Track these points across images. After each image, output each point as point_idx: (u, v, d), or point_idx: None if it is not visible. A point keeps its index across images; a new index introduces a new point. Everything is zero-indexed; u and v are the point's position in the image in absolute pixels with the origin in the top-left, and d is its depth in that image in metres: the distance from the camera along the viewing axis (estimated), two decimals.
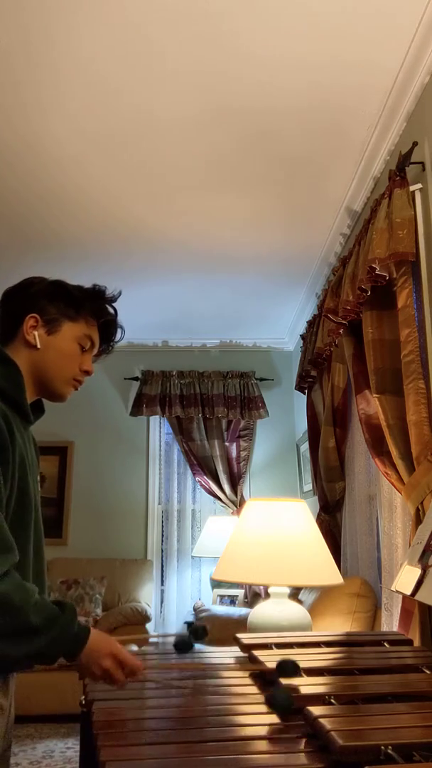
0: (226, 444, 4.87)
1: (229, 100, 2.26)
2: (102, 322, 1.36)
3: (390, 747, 0.84)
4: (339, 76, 2.14)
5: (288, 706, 1.06)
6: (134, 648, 1.42)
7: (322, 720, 0.94)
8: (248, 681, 1.30)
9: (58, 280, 1.35)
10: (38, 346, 1.27)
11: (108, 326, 1.38)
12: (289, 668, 1.20)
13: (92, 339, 1.34)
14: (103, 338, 1.38)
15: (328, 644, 1.58)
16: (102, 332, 1.37)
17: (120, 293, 1.41)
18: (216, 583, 4.55)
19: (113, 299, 1.38)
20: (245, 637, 1.60)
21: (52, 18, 1.90)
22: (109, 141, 2.50)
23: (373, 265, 2.13)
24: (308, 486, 4.30)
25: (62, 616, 1.06)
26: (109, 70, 2.11)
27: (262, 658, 1.36)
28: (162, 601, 4.75)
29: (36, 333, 1.28)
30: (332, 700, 1.08)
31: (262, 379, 5.01)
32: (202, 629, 1.43)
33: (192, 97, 2.25)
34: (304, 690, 1.13)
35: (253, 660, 1.40)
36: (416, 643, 1.80)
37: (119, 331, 1.41)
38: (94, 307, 1.34)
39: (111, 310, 1.38)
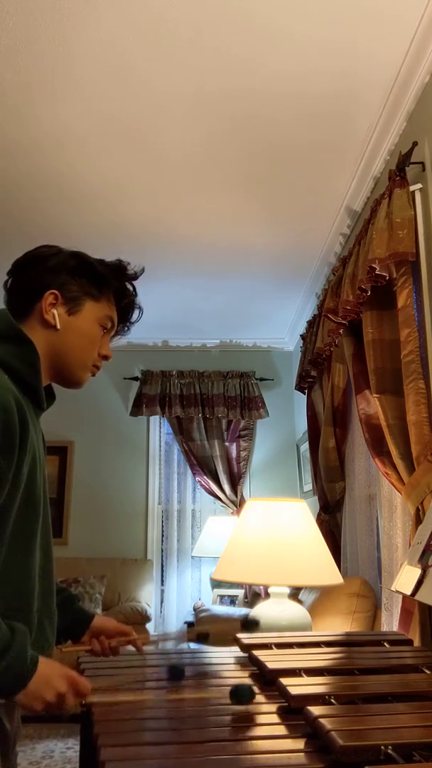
0: (226, 444, 4.87)
1: (232, 98, 2.26)
2: (123, 303, 1.26)
3: (390, 747, 0.84)
4: (339, 78, 2.14)
5: (249, 697, 1.11)
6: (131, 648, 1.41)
7: (322, 720, 0.94)
8: (248, 681, 1.30)
9: (78, 252, 1.23)
10: (58, 326, 1.15)
11: (128, 306, 1.28)
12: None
13: (113, 320, 1.24)
14: (120, 318, 1.28)
15: (328, 644, 1.58)
16: (120, 312, 1.27)
17: (143, 270, 1.29)
18: (216, 583, 4.55)
19: (135, 276, 1.27)
20: (245, 637, 1.60)
21: (60, 14, 1.90)
22: (117, 139, 2.50)
23: (373, 265, 2.13)
24: (308, 486, 4.30)
25: (15, 640, 0.95)
26: (119, 65, 2.11)
27: (262, 659, 1.36)
28: (162, 601, 4.75)
29: (55, 312, 1.15)
30: (332, 700, 1.08)
31: (262, 379, 5.01)
32: (254, 623, 1.47)
33: (192, 96, 2.25)
34: (304, 690, 1.13)
35: (253, 660, 1.40)
36: (416, 643, 1.79)
37: (137, 311, 1.30)
38: (117, 286, 1.24)
39: (131, 289, 1.27)
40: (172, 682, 1.31)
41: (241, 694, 1.12)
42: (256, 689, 1.17)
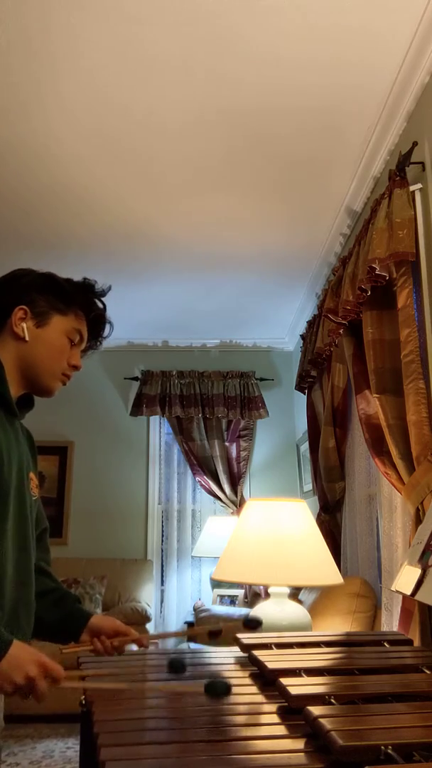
0: (226, 444, 4.87)
1: (229, 101, 2.26)
2: (91, 316, 1.36)
3: (390, 747, 0.84)
4: (339, 75, 2.14)
5: (225, 691, 1.09)
6: (134, 647, 1.41)
7: (322, 720, 0.94)
8: (248, 681, 1.30)
9: (48, 273, 1.34)
10: (26, 338, 1.26)
11: (97, 321, 1.37)
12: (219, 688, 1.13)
13: (81, 333, 1.34)
14: (92, 333, 1.38)
15: (328, 644, 1.58)
16: (91, 327, 1.37)
17: (110, 288, 1.40)
18: (216, 583, 4.55)
19: (103, 293, 1.38)
20: (245, 637, 1.60)
21: (52, 17, 1.91)
22: (110, 140, 2.50)
23: (373, 265, 2.13)
24: (308, 486, 4.30)
25: None
26: (109, 69, 2.11)
27: (262, 659, 1.36)
28: (162, 601, 4.75)
29: (24, 325, 1.26)
30: (332, 700, 1.08)
31: (262, 379, 5.01)
32: (257, 622, 1.46)
33: (191, 97, 2.25)
34: (304, 690, 1.13)
35: (253, 660, 1.40)
36: (416, 643, 1.79)
37: (108, 326, 1.40)
38: (83, 301, 1.34)
39: (100, 305, 1.37)
40: (173, 676, 1.32)
41: (216, 689, 1.10)
42: (233, 683, 1.13)
